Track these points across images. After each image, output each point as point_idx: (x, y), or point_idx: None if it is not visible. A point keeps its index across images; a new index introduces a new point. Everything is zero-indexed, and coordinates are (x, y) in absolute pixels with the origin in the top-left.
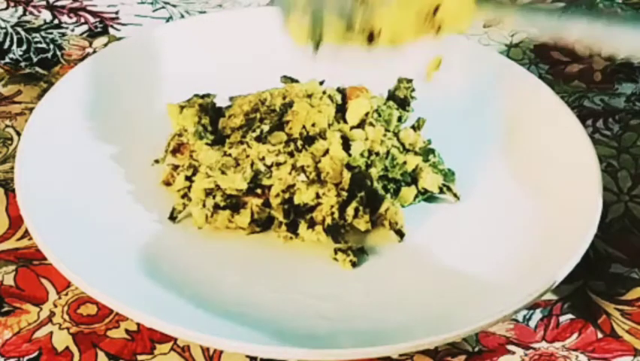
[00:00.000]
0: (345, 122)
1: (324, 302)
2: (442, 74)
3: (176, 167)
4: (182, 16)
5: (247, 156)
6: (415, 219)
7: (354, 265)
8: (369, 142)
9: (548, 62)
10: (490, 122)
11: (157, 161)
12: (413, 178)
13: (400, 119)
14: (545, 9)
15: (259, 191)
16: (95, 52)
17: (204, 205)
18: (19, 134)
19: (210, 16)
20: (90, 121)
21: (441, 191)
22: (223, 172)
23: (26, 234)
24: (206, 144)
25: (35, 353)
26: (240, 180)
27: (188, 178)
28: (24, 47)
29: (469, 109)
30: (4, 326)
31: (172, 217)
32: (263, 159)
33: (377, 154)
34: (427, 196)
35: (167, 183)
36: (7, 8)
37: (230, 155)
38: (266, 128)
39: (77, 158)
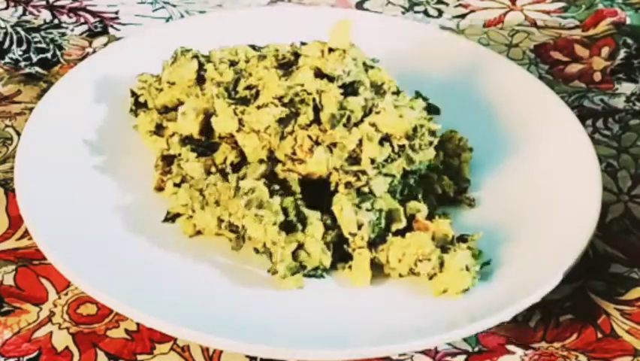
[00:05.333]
0: None
1: (324, 303)
2: (442, 74)
3: (165, 172)
4: (182, 16)
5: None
6: None
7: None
8: None
9: (548, 62)
10: (490, 123)
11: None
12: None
13: None
14: None
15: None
16: (94, 52)
17: (191, 217)
18: (19, 134)
19: (210, 16)
20: (90, 121)
21: (455, 197)
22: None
23: (26, 234)
24: (192, 150)
25: (35, 353)
26: (212, 220)
27: (177, 185)
28: (24, 47)
29: (469, 110)
30: (4, 325)
31: (167, 220)
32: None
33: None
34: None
35: (160, 189)
36: (7, 8)
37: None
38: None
39: (77, 158)
